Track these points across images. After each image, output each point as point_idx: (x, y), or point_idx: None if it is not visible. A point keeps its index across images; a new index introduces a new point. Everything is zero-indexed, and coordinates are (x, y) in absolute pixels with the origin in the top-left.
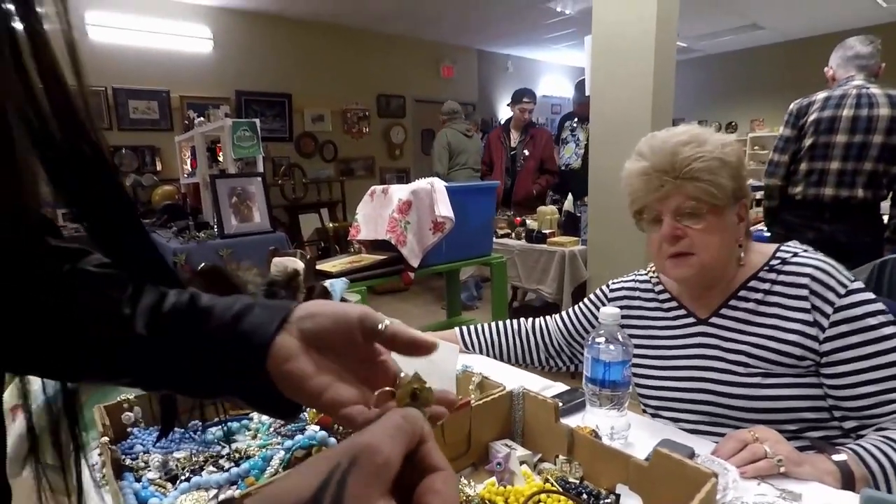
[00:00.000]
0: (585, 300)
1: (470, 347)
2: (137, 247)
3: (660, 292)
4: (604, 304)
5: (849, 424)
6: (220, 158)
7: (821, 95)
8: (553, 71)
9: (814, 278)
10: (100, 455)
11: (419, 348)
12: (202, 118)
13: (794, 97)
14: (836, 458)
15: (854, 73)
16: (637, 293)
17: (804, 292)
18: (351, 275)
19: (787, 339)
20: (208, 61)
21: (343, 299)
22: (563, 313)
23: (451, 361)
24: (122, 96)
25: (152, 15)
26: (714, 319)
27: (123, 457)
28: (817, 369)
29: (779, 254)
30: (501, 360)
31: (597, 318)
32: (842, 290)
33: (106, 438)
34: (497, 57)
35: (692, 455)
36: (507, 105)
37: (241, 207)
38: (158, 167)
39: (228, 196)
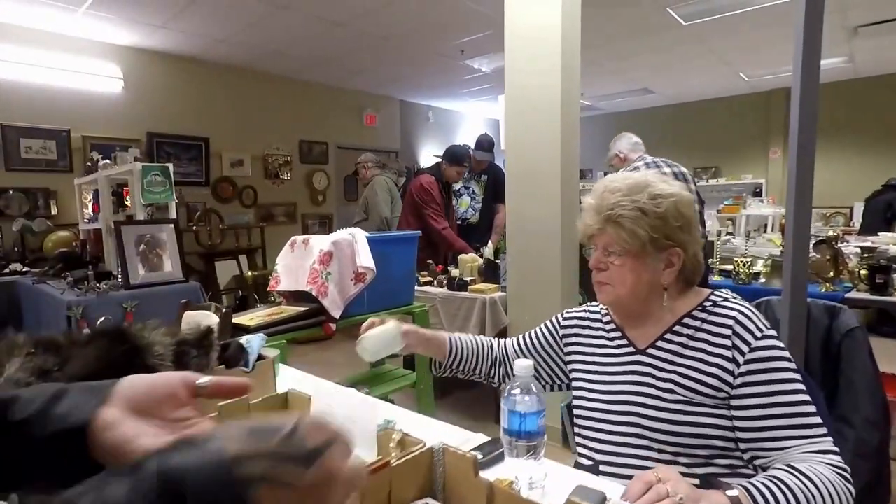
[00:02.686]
0: (541, 326)
1: (454, 355)
2: None
3: (607, 322)
4: (557, 330)
5: (747, 455)
6: (128, 203)
7: (627, 169)
8: (471, 121)
9: (737, 321)
10: None
11: (238, 391)
12: (107, 160)
13: (679, 152)
14: (729, 493)
15: (641, 153)
16: (587, 322)
17: (728, 332)
18: (270, 328)
19: (708, 371)
20: (118, 101)
21: (260, 356)
22: (519, 337)
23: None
24: (11, 134)
25: (59, 51)
26: (651, 350)
27: None
28: (729, 402)
29: (712, 297)
30: (473, 373)
31: (549, 342)
32: (759, 335)
33: None
34: (418, 107)
35: (604, 500)
36: (442, 160)
37: (150, 256)
38: (53, 211)
39: (136, 244)
